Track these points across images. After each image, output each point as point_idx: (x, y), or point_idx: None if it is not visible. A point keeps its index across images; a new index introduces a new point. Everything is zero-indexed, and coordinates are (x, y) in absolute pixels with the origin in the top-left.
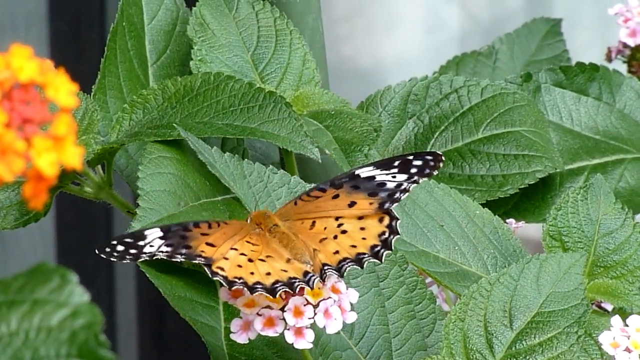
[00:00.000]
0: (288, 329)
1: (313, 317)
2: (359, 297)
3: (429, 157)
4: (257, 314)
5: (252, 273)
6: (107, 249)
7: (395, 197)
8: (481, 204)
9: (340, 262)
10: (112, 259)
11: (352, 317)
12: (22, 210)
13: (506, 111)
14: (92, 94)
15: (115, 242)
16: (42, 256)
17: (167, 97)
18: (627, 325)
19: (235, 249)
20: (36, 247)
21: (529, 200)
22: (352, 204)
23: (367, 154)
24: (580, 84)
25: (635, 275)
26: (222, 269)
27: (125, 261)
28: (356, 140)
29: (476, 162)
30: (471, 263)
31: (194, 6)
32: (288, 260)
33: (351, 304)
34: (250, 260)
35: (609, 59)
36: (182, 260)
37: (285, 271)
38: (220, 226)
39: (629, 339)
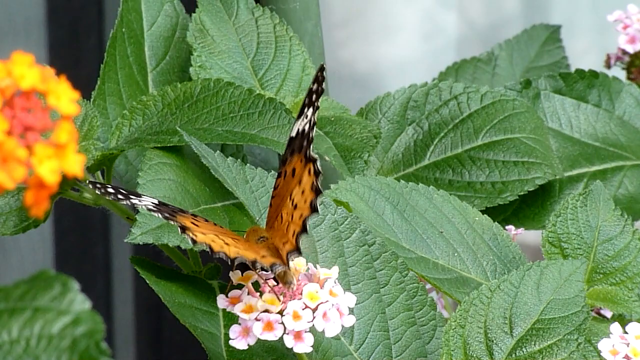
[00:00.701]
0: (287, 333)
1: (312, 321)
2: (360, 303)
3: (318, 73)
4: (256, 319)
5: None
6: (101, 188)
7: (309, 136)
8: (481, 211)
9: (296, 240)
10: (97, 192)
11: (350, 320)
12: (21, 216)
13: (506, 118)
14: (91, 100)
15: (111, 189)
16: (41, 261)
17: (166, 104)
18: (626, 333)
19: (221, 239)
20: (35, 251)
21: (529, 207)
22: (293, 173)
23: (367, 161)
24: (579, 91)
25: (634, 282)
26: (208, 244)
27: (107, 197)
28: (356, 147)
29: (475, 168)
30: (470, 269)
31: (194, 12)
32: (263, 256)
33: (349, 308)
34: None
35: (608, 65)
36: (162, 218)
37: (264, 257)
38: (216, 225)
39: (628, 346)
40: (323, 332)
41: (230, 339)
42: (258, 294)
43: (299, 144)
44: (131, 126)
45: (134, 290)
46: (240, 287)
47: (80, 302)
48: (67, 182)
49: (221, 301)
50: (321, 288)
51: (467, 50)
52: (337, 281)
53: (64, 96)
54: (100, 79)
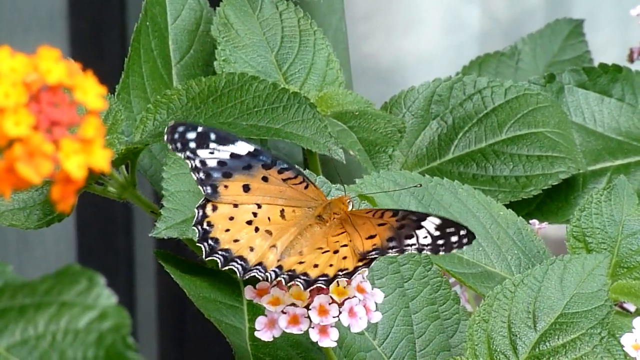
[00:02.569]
0: (312, 327)
1: (338, 316)
2: (383, 297)
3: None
4: (282, 311)
5: (236, 240)
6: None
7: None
8: (504, 205)
9: (300, 274)
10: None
11: (377, 316)
12: (45, 210)
13: (530, 112)
14: (115, 93)
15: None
16: (64, 254)
17: (191, 98)
18: None
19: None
20: (58, 245)
21: (552, 201)
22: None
23: (391, 155)
24: (603, 85)
25: None
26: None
27: (173, 136)
28: (380, 141)
29: (499, 163)
30: (495, 264)
31: (218, 6)
32: (272, 246)
33: (376, 304)
34: (256, 227)
35: (631, 59)
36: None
37: (252, 250)
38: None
39: None
40: (349, 327)
41: (255, 330)
42: (286, 287)
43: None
44: (155, 120)
45: (157, 284)
46: None
47: (106, 297)
48: (92, 176)
49: (249, 292)
50: (349, 283)
51: (490, 44)
52: (365, 277)
53: (90, 91)
54: (125, 72)
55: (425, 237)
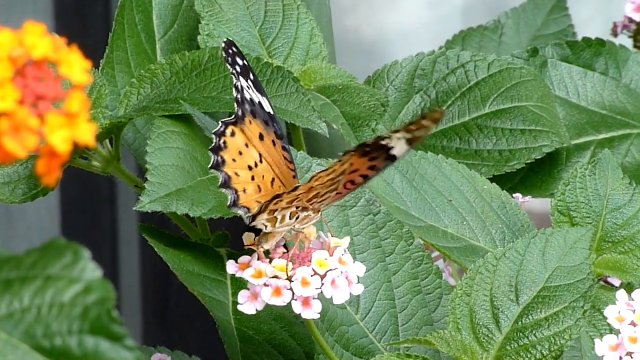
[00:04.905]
0: (295, 299)
1: (320, 287)
2: (365, 272)
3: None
4: (264, 284)
5: (237, 174)
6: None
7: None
8: (488, 179)
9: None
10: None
11: (358, 289)
12: (30, 184)
13: (513, 86)
14: (99, 68)
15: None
16: (48, 228)
17: (174, 72)
18: (632, 299)
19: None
20: (41, 219)
21: (536, 174)
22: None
23: (375, 129)
24: (586, 59)
25: None
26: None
27: (228, 52)
28: (363, 115)
29: (483, 136)
30: (479, 238)
31: None
32: (257, 201)
33: (357, 277)
34: (252, 175)
35: (615, 33)
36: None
37: (245, 192)
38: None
39: (634, 312)
40: (331, 299)
41: (238, 303)
42: (268, 260)
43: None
44: (139, 94)
45: (141, 258)
46: (250, 253)
47: (91, 270)
48: (76, 150)
49: (230, 266)
50: (330, 256)
51: (473, 17)
52: (346, 250)
53: (75, 65)
54: (109, 47)
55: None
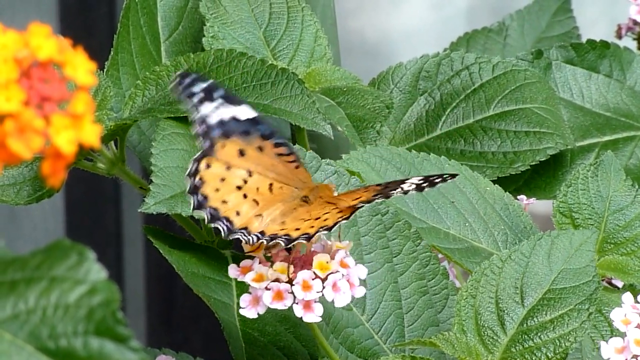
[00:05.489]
0: (297, 303)
1: (321, 291)
2: (372, 272)
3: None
4: (266, 288)
5: (224, 202)
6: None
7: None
8: (492, 181)
9: (282, 235)
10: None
11: (360, 291)
12: (35, 186)
13: (517, 88)
14: (104, 70)
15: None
16: (52, 230)
17: None
18: (638, 302)
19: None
20: (46, 220)
21: (540, 177)
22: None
23: (379, 131)
24: (591, 61)
25: None
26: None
27: (179, 86)
28: (368, 117)
29: (487, 138)
30: (482, 239)
31: None
32: (258, 215)
33: (360, 279)
34: (244, 194)
35: (619, 36)
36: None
37: (239, 214)
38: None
39: None
40: (332, 302)
41: (240, 307)
42: (269, 263)
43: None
44: (144, 96)
45: (145, 259)
46: (252, 257)
47: (96, 271)
48: (81, 152)
49: (232, 270)
50: (332, 259)
51: (477, 19)
52: (348, 252)
53: (80, 67)
54: (114, 49)
55: (410, 186)
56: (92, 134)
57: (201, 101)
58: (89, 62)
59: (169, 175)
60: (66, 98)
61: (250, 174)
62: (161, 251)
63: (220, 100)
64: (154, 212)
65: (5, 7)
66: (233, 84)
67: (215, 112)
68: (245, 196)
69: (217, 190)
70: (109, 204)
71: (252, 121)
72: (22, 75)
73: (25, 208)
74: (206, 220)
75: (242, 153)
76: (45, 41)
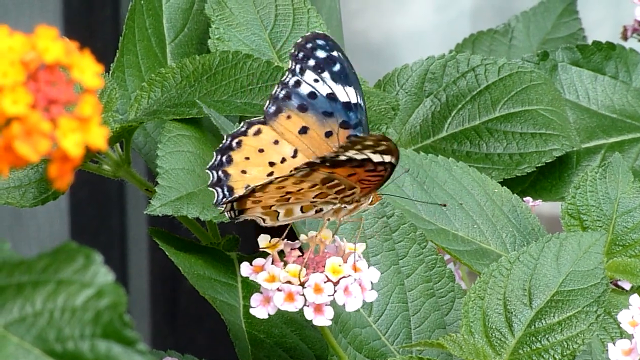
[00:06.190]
0: (307, 305)
1: (333, 295)
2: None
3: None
4: (277, 289)
5: (243, 171)
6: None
7: None
8: (499, 183)
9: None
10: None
11: (372, 295)
12: (41, 188)
13: (523, 90)
14: (110, 72)
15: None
16: (57, 232)
17: (185, 76)
18: None
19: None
20: (52, 222)
21: (546, 178)
22: None
23: (385, 133)
24: (597, 63)
25: None
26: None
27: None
28: (374, 119)
29: (493, 140)
30: (490, 241)
31: None
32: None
33: (372, 283)
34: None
35: (625, 37)
36: None
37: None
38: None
39: None
40: (343, 306)
41: (250, 307)
42: (282, 263)
43: None
44: (150, 98)
45: (150, 261)
46: (264, 255)
47: (103, 274)
48: (87, 154)
49: (245, 269)
50: (345, 262)
51: (482, 21)
52: (361, 256)
53: (87, 69)
54: (119, 51)
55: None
56: (99, 137)
57: (312, 68)
58: (95, 64)
59: (174, 177)
60: (73, 101)
61: (295, 154)
62: (167, 253)
63: (327, 74)
64: (160, 214)
65: (10, 9)
66: (239, 86)
67: (313, 83)
68: (271, 174)
69: (247, 159)
70: (114, 206)
71: (346, 105)
72: (29, 78)
73: (30, 209)
74: (209, 182)
75: (304, 130)
76: (52, 44)
